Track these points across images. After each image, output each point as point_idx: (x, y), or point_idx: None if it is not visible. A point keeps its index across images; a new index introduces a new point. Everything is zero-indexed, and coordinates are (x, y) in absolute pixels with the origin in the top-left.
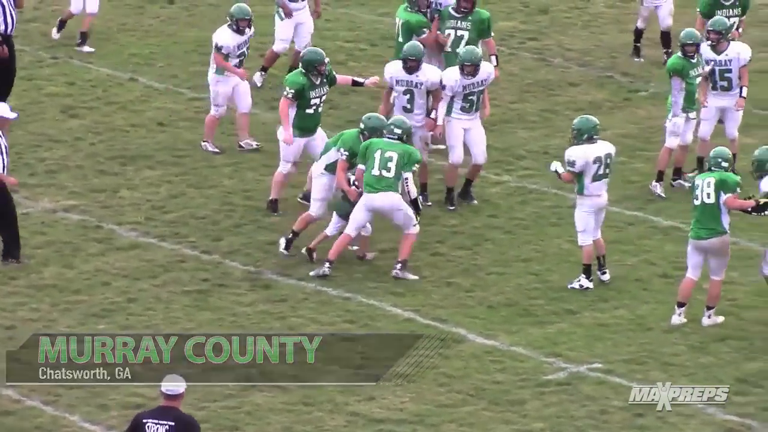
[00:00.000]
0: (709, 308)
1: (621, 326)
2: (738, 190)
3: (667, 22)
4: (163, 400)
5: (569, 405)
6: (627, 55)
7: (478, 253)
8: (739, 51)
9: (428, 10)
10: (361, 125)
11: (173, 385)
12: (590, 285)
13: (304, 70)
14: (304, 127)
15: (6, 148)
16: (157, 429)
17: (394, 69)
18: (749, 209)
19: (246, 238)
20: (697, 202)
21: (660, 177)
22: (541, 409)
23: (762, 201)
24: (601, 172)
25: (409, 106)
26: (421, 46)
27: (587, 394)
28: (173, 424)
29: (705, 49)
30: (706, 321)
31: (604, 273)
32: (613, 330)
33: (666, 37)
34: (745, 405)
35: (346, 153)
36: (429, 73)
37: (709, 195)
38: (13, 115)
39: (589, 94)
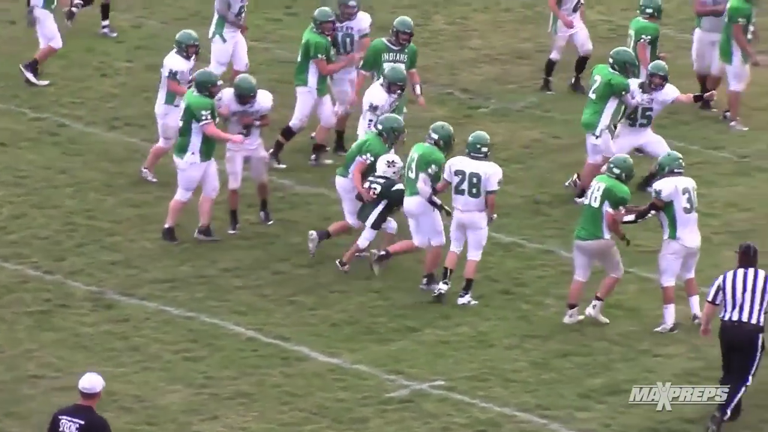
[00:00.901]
0: (598, 298)
1: (463, 343)
2: (621, 209)
3: (587, 47)
4: (80, 398)
5: (412, 422)
6: (466, 71)
7: (321, 272)
8: (667, 92)
9: (338, 34)
10: (379, 126)
11: (89, 383)
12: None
13: (198, 91)
14: (209, 151)
15: None
16: (69, 426)
17: (228, 97)
18: (627, 221)
19: (88, 258)
20: (585, 202)
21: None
22: (383, 426)
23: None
24: (462, 187)
25: (245, 132)
26: (253, 79)
27: (430, 411)
28: (83, 422)
29: (635, 86)
30: (590, 310)
31: (462, 296)
32: (455, 347)
33: (582, 63)
34: (587, 421)
35: (372, 158)
36: (262, 100)
37: (596, 199)
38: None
39: (430, 110)
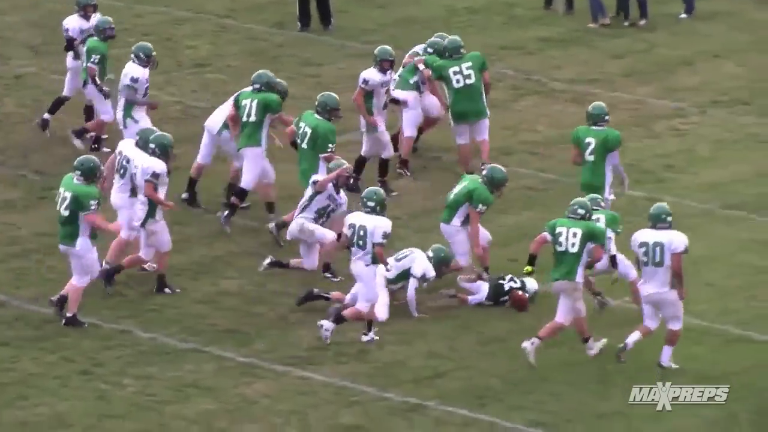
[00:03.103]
0: (539, 338)
1: (42, 424)
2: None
3: (389, 151)
4: None
5: None
6: (39, 153)
7: None
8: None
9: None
10: (486, 175)
11: None
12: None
13: (85, 180)
14: (96, 233)
15: None
16: None
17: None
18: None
19: None
20: (560, 249)
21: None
22: None
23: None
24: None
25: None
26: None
27: None
28: None
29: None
30: (527, 345)
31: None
32: (34, 428)
33: (385, 166)
34: None
35: (485, 207)
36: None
37: (573, 245)
38: None
39: (3, 193)
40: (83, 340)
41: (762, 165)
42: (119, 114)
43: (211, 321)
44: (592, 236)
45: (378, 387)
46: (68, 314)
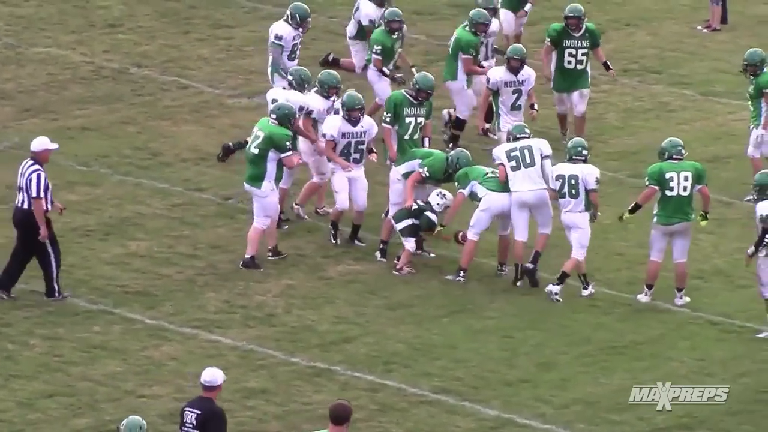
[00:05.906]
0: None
1: None
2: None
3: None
4: (202, 391)
5: None
6: None
7: None
8: None
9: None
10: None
11: (211, 376)
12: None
13: (280, 123)
14: (280, 178)
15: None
16: (190, 416)
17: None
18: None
19: None
20: (671, 194)
21: None
22: None
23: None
24: (563, 190)
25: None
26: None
27: None
28: (200, 413)
29: None
30: (678, 301)
31: (585, 288)
32: None
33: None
34: None
35: (427, 174)
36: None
37: (685, 188)
38: (54, 146)
39: None
40: None
41: (671, 134)
42: (268, 70)
43: (120, 283)
44: (700, 177)
45: (285, 351)
46: (246, 256)
